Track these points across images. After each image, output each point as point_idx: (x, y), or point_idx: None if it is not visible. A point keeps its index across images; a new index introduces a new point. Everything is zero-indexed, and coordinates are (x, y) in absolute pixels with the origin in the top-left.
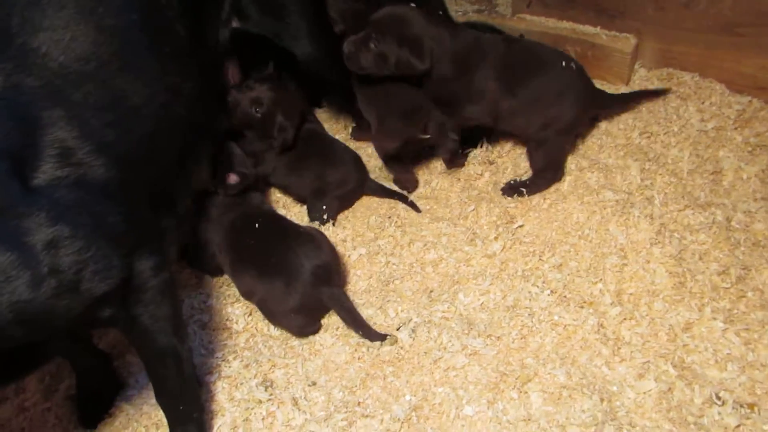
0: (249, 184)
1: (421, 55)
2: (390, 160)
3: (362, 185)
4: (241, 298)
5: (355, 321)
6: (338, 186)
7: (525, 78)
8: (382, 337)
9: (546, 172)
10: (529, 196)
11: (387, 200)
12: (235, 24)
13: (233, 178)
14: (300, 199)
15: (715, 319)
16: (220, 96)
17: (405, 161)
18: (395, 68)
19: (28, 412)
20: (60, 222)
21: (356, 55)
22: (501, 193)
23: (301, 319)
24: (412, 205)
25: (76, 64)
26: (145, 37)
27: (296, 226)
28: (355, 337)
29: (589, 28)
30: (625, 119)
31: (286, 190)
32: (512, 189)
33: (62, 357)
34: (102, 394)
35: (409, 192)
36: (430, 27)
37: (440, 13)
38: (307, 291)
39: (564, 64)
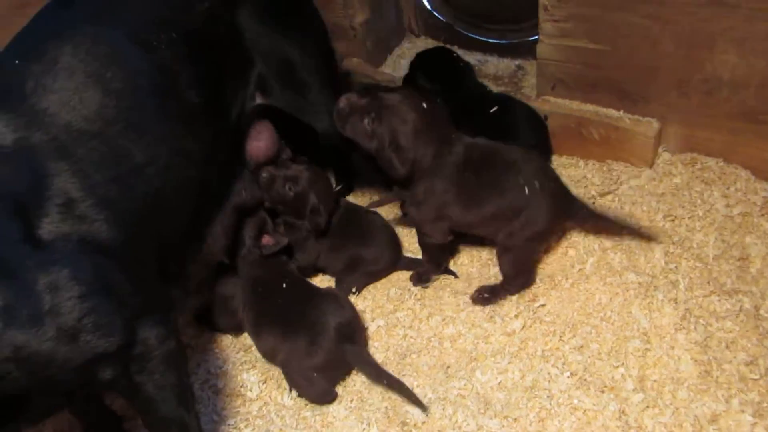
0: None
1: (404, 162)
2: (436, 250)
3: (395, 264)
4: (257, 365)
5: (380, 376)
6: (371, 263)
7: (486, 194)
8: (412, 395)
9: (516, 279)
10: (498, 302)
11: (407, 272)
12: (259, 99)
13: (268, 240)
14: (332, 273)
15: (743, 411)
16: (238, 166)
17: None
18: (375, 155)
19: None
20: (61, 265)
21: (347, 117)
22: (471, 299)
23: (322, 381)
24: (447, 270)
25: (82, 123)
26: (152, 101)
27: (318, 288)
28: (368, 411)
29: (612, 112)
30: (649, 201)
31: (325, 271)
32: (481, 297)
33: (73, 415)
34: None
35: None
36: (423, 135)
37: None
38: (332, 348)
39: (532, 186)
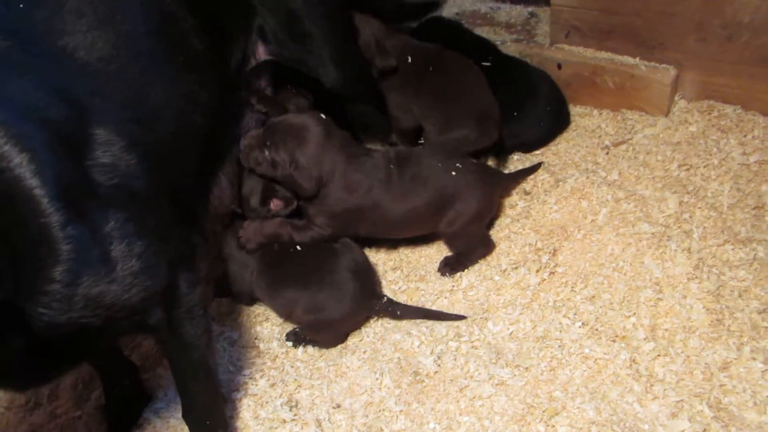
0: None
1: (309, 180)
2: None
3: None
4: (270, 318)
5: (407, 311)
6: None
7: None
8: (448, 315)
9: (473, 254)
10: (461, 272)
11: None
12: (262, 53)
13: (276, 203)
14: None
15: (754, 359)
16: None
17: None
18: (281, 180)
19: (59, 419)
20: (115, 209)
21: (250, 154)
22: (438, 272)
23: (342, 329)
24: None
25: (99, 63)
26: (161, 45)
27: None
28: (381, 362)
29: (627, 59)
30: (664, 151)
31: None
32: (447, 266)
33: (93, 366)
34: (131, 406)
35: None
36: (326, 149)
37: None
38: (353, 298)
39: (454, 172)
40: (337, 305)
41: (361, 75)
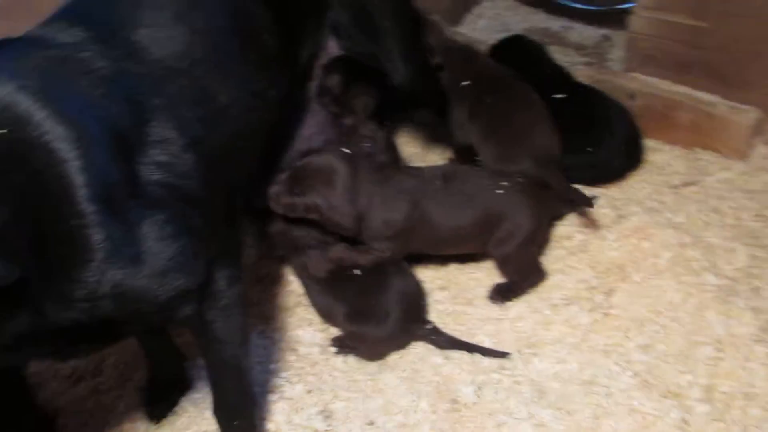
0: None
1: (347, 218)
2: None
3: None
4: (314, 323)
5: (451, 342)
6: None
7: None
8: (491, 350)
9: (525, 281)
10: (513, 300)
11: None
12: (332, 45)
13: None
14: None
15: None
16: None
17: None
18: (321, 223)
19: (101, 395)
20: (157, 209)
21: (279, 200)
22: (489, 298)
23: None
24: None
25: (171, 60)
26: (234, 43)
27: None
28: (420, 383)
29: (706, 96)
30: (737, 198)
31: None
32: (499, 294)
33: (141, 347)
34: (170, 391)
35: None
36: (357, 185)
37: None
38: (397, 324)
39: (502, 191)
40: (378, 324)
41: (428, 74)
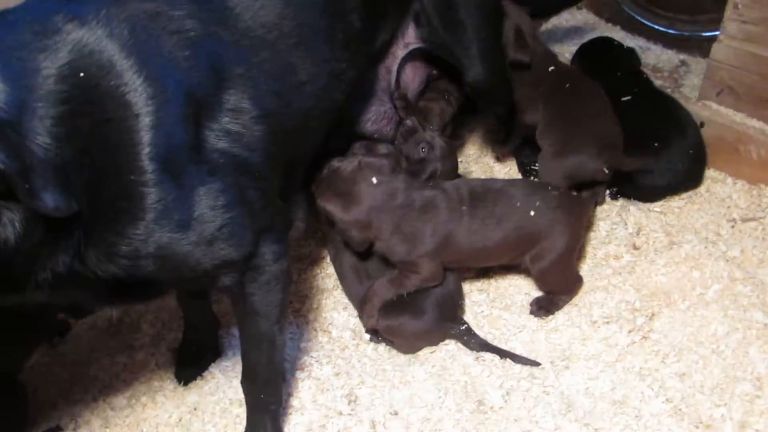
0: None
1: (357, 235)
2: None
3: None
4: (349, 308)
5: (484, 345)
6: None
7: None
8: (523, 358)
9: (564, 294)
10: (553, 314)
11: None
12: (411, 33)
13: None
14: None
15: None
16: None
17: None
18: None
19: (135, 351)
20: (216, 177)
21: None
22: (531, 313)
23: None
24: None
25: (260, 30)
26: (324, 20)
27: None
28: (448, 381)
29: None
30: None
31: None
32: (541, 309)
33: (181, 308)
34: (201, 356)
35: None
36: (375, 206)
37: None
38: (432, 322)
39: (534, 211)
40: (412, 319)
41: (503, 76)
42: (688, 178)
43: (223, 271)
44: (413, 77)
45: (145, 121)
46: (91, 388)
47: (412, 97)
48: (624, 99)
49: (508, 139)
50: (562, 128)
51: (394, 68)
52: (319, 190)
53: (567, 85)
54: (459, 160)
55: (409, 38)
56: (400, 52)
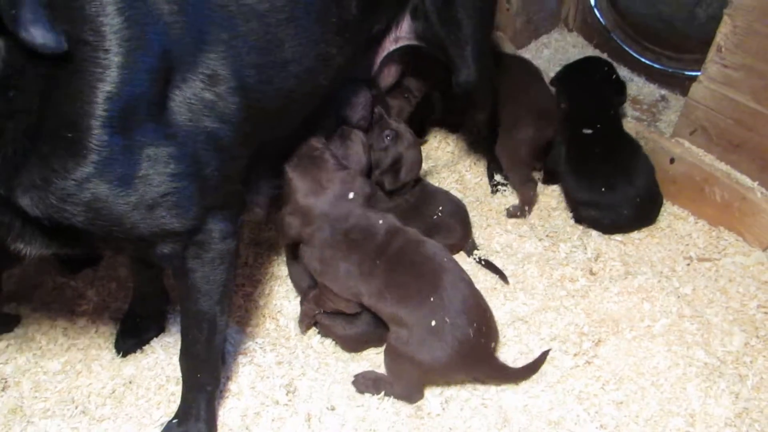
0: None
1: (292, 224)
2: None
3: (465, 241)
4: (299, 297)
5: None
6: (443, 237)
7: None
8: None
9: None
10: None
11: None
12: (405, 26)
13: None
14: None
15: None
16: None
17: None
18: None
19: (77, 316)
20: (172, 142)
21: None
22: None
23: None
24: (502, 276)
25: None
26: (318, 1)
27: None
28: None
29: (746, 180)
30: (748, 285)
31: None
32: (363, 383)
33: (131, 276)
34: (145, 329)
35: (527, 210)
36: (313, 204)
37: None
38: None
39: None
40: (346, 324)
41: (491, 80)
42: (636, 221)
43: (161, 239)
44: (390, 72)
45: (114, 60)
46: (26, 350)
47: (384, 89)
48: (585, 131)
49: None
50: (509, 109)
51: (379, 60)
52: (297, 161)
53: (508, 72)
54: (431, 164)
55: (402, 32)
56: (389, 45)
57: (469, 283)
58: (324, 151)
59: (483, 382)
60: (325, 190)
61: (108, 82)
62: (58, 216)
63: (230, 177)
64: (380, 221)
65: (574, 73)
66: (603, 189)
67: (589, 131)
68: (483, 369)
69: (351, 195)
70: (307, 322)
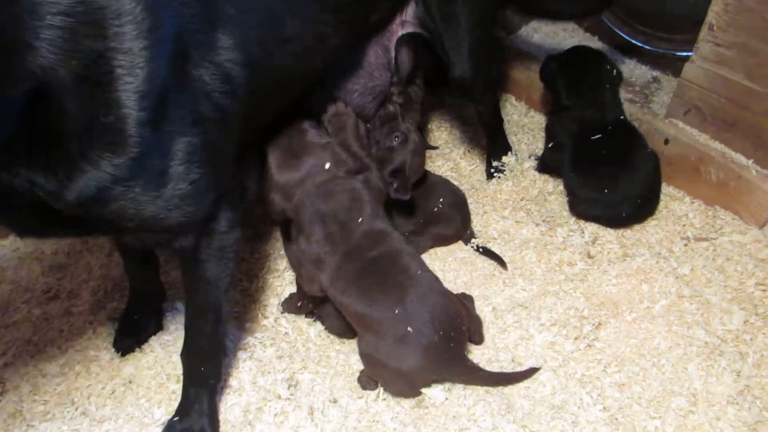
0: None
1: (276, 200)
2: None
3: (464, 231)
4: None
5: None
6: (442, 227)
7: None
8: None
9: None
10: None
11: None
12: (409, 12)
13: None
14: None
15: None
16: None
17: None
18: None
19: (73, 317)
20: (198, 128)
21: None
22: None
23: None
24: (501, 262)
25: None
26: None
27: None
28: None
29: (740, 158)
30: (745, 263)
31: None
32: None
33: (127, 275)
34: (143, 328)
35: None
36: (291, 182)
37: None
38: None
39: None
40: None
41: (489, 76)
42: (635, 217)
43: (182, 230)
44: (407, 60)
45: (141, 60)
46: (23, 353)
47: (403, 78)
48: (593, 138)
49: None
50: None
51: (391, 45)
52: (275, 140)
53: None
54: (426, 153)
55: (407, 17)
56: (397, 29)
57: (442, 294)
58: (303, 123)
59: (465, 383)
60: (299, 160)
61: (141, 80)
62: (96, 211)
63: (229, 162)
64: (359, 219)
65: (570, 69)
66: (606, 190)
67: (598, 136)
68: (455, 371)
69: (327, 165)
70: (293, 303)
